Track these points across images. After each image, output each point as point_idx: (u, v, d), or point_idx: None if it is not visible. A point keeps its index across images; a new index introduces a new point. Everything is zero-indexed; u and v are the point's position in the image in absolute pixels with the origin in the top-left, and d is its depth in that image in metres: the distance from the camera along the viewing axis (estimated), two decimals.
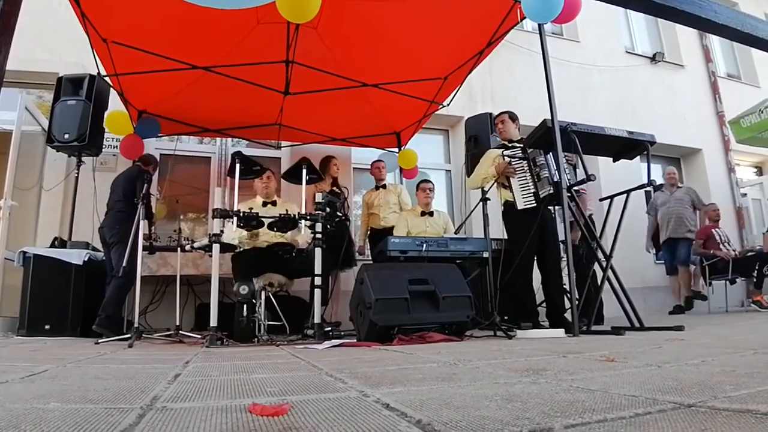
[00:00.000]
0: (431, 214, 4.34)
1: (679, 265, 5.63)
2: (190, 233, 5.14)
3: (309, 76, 4.18)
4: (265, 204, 3.79)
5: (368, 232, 4.96)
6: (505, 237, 3.74)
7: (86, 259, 3.75)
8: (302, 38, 3.73)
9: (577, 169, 3.89)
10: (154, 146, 5.02)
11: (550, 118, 2.98)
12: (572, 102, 6.25)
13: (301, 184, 3.35)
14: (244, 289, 2.85)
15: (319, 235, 3.09)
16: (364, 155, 5.73)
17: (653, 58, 7.71)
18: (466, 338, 2.69)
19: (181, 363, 1.72)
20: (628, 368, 1.27)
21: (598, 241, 3.25)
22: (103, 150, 4.45)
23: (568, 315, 3.24)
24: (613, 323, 3.32)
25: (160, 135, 4.82)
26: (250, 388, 1.10)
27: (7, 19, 0.58)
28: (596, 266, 3.36)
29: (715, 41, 8.38)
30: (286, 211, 3.24)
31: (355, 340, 2.63)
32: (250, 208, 3.10)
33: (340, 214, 3.60)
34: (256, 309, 2.97)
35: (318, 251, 3.07)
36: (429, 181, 4.48)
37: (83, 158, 4.33)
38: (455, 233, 4.41)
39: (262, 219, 3.09)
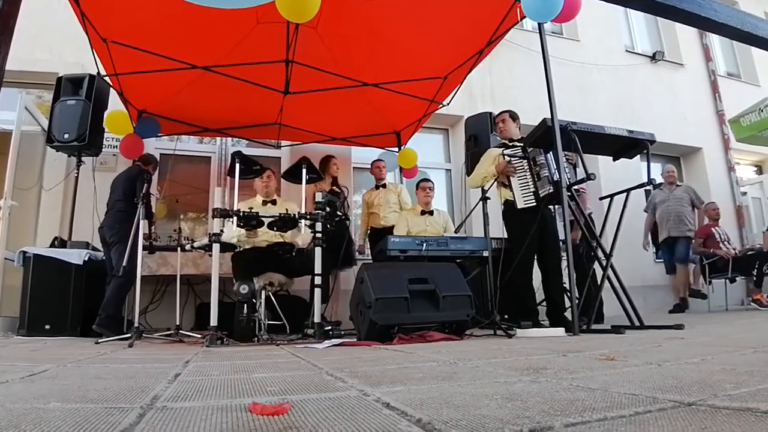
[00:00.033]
0: (431, 213, 4.34)
1: (677, 264, 5.63)
2: (190, 233, 5.15)
3: (309, 75, 4.18)
4: (265, 203, 3.79)
5: (368, 232, 4.96)
6: (505, 236, 3.74)
7: (86, 258, 3.76)
8: (302, 38, 3.73)
9: (577, 168, 3.89)
10: (153, 146, 5.02)
11: (549, 117, 2.98)
12: (572, 101, 6.25)
13: (301, 183, 3.35)
14: (244, 289, 2.85)
15: (319, 235, 3.09)
16: (363, 155, 5.73)
17: (653, 57, 7.70)
18: (466, 337, 2.69)
19: (182, 362, 1.72)
20: (628, 367, 1.27)
21: (598, 240, 3.25)
22: (103, 150, 4.45)
23: (568, 314, 3.24)
24: (613, 322, 3.33)
25: (159, 135, 4.82)
26: (251, 387, 1.10)
27: (7, 19, 0.58)
28: (596, 265, 3.36)
29: (715, 40, 8.37)
30: (286, 210, 3.24)
31: (355, 340, 2.63)
32: (250, 208, 3.10)
33: (340, 214, 3.60)
34: (257, 308, 2.98)
35: (318, 250, 3.07)
36: (429, 180, 4.48)
37: (83, 158, 4.33)
38: (455, 232, 4.41)
39: (262, 218, 3.09)
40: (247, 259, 3.47)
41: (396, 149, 5.49)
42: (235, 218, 2.96)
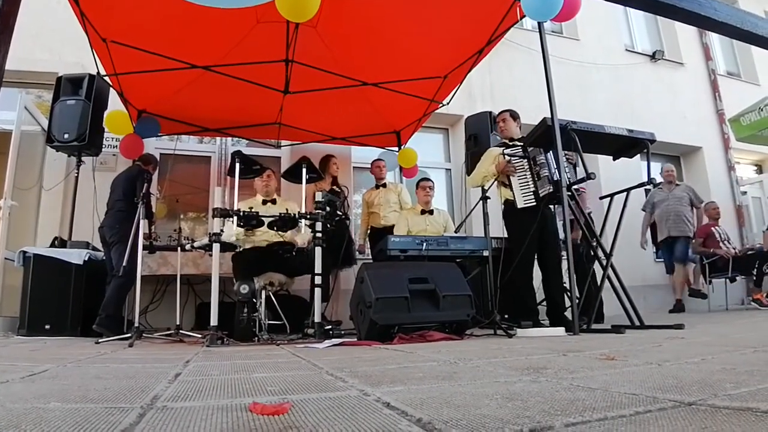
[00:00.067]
0: (431, 212, 4.34)
1: (675, 263, 5.63)
2: (190, 232, 5.15)
3: (309, 75, 4.18)
4: (265, 202, 3.79)
5: (368, 231, 4.96)
6: (505, 236, 3.73)
7: (86, 258, 3.76)
8: (302, 37, 3.73)
9: (577, 168, 3.89)
10: (153, 146, 5.02)
11: (549, 116, 2.98)
12: (572, 100, 6.24)
13: (301, 183, 3.35)
14: (244, 289, 2.85)
15: (319, 234, 3.09)
16: (363, 154, 5.72)
17: (653, 56, 7.70)
18: (466, 337, 2.69)
19: (182, 362, 1.72)
20: (628, 366, 1.27)
21: (599, 240, 3.25)
22: (103, 150, 4.45)
23: (568, 313, 3.24)
24: (614, 322, 3.33)
25: (159, 134, 4.82)
26: (251, 387, 1.10)
27: (7, 19, 0.58)
28: (596, 265, 3.36)
29: (714, 39, 8.36)
30: (286, 210, 3.24)
31: (355, 339, 2.63)
32: (250, 207, 3.10)
33: (340, 213, 3.60)
34: (257, 308, 2.98)
35: (318, 250, 3.07)
36: (429, 180, 4.48)
37: (83, 158, 4.33)
38: (455, 232, 4.41)
39: (262, 218, 3.09)
40: (247, 259, 3.48)
41: (396, 149, 5.48)
42: (235, 218, 2.96)
